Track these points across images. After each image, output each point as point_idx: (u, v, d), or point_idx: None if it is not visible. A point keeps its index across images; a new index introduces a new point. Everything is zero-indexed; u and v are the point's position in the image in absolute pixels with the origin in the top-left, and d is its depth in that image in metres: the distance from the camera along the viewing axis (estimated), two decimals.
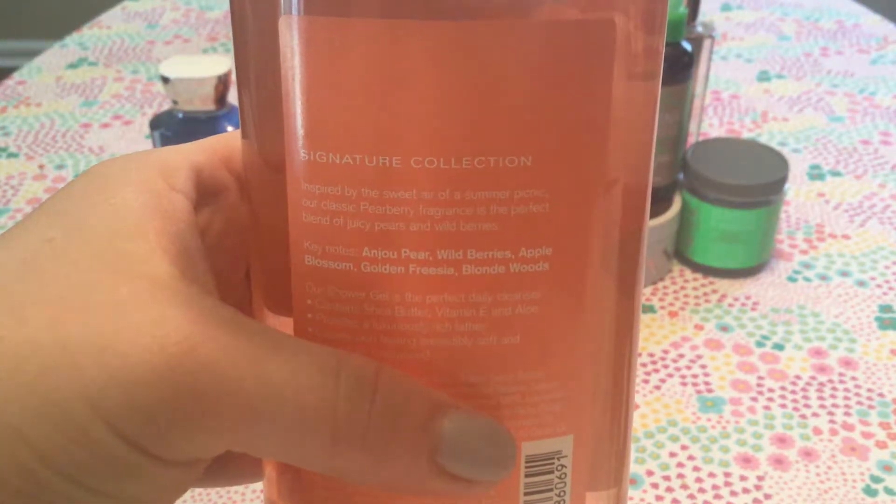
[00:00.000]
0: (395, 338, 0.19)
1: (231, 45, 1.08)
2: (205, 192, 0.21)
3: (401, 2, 0.17)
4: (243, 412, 0.16)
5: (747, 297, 0.64)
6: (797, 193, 0.76)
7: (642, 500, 0.49)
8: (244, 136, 0.20)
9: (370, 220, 0.18)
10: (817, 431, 0.53)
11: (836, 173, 0.79)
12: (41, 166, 0.80)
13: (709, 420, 0.54)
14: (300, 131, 0.18)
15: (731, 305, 0.63)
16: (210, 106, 0.60)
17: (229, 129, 0.61)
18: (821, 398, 0.55)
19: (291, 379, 0.16)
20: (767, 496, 0.49)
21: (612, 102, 0.18)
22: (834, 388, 0.56)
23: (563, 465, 0.20)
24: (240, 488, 0.49)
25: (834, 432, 0.53)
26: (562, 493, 0.21)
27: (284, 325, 0.20)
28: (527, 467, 0.20)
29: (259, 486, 0.49)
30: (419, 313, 0.18)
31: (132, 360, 0.16)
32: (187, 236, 0.19)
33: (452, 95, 0.17)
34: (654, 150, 0.21)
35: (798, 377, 0.57)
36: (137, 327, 0.16)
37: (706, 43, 0.68)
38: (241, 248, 0.22)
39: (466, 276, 0.18)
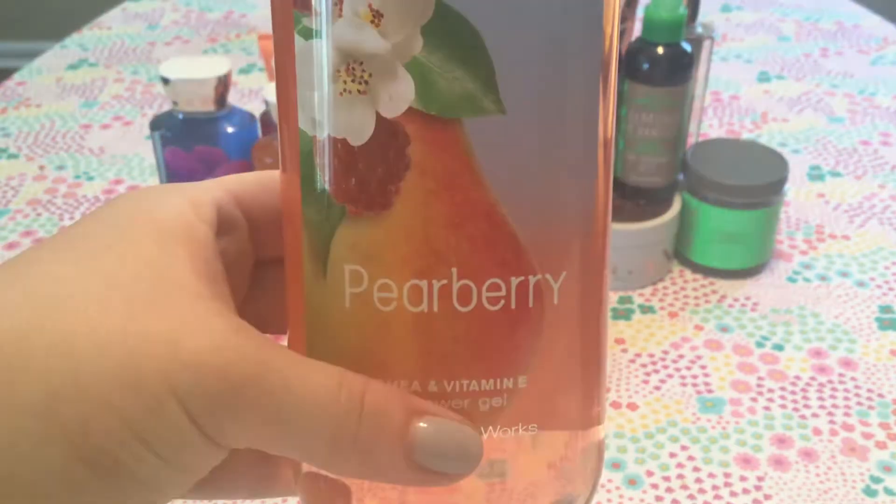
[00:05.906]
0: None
1: (230, 46, 1.07)
2: (222, 225, 0.24)
3: None
4: (271, 412, 0.20)
5: (747, 298, 0.64)
6: (797, 194, 0.76)
7: (642, 500, 0.49)
8: (283, 169, 0.22)
9: None
10: (817, 432, 0.53)
11: (835, 174, 0.79)
12: (41, 167, 0.80)
13: (709, 420, 0.54)
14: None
15: (730, 306, 0.63)
16: (210, 107, 0.60)
17: (229, 129, 0.61)
18: (821, 399, 0.55)
19: (306, 390, 0.21)
20: (767, 496, 0.49)
21: None
22: (834, 389, 0.56)
23: None
24: None
25: (834, 433, 0.53)
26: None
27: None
28: None
29: None
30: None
31: (200, 357, 0.20)
32: (213, 262, 0.23)
33: None
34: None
35: (798, 377, 0.57)
36: (197, 330, 0.20)
37: (706, 44, 0.68)
38: (244, 276, 0.26)
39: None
